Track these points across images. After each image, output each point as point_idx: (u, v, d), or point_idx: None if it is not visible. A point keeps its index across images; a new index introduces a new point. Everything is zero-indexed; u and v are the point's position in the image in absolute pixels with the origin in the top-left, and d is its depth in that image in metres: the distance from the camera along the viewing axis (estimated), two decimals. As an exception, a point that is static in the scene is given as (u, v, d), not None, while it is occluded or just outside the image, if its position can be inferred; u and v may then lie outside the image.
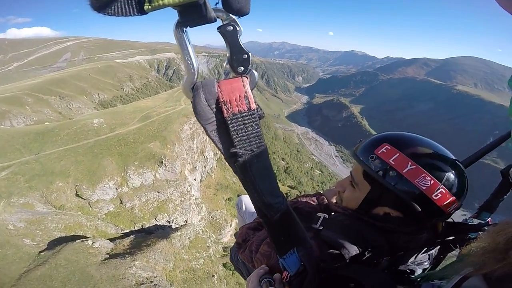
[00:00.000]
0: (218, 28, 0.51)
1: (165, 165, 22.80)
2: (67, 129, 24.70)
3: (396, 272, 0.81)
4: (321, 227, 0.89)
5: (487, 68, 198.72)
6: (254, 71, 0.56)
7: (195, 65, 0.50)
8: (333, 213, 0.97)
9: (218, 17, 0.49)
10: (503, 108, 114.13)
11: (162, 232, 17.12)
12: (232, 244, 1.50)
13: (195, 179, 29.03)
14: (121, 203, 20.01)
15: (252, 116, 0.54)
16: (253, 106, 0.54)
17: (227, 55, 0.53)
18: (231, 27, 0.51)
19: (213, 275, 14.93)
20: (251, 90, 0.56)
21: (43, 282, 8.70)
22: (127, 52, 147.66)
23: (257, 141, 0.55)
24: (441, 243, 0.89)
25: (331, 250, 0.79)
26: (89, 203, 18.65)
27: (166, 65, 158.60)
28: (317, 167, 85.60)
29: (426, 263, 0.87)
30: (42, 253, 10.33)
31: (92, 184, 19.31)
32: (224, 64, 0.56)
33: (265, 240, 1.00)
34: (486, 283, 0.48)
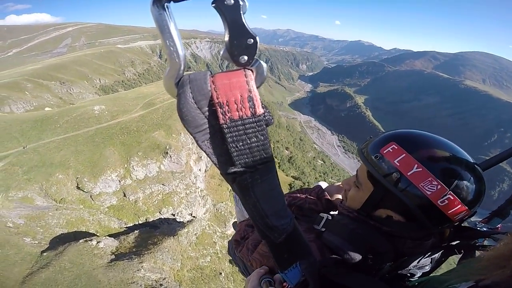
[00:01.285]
0: (214, 2, 0.35)
1: (171, 156, 22.01)
2: (66, 116, 23.70)
3: (396, 276, 0.80)
4: (324, 229, 0.86)
5: (497, 64, 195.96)
6: (262, 62, 0.40)
7: (180, 53, 0.35)
8: (336, 214, 0.95)
9: None
10: (510, 106, 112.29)
11: (168, 227, 16.60)
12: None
13: (200, 170, 28.36)
14: (125, 196, 19.40)
15: (258, 123, 0.40)
16: (259, 110, 0.40)
17: (225, 39, 0.37)
18: (232, 1, 0.35)
19: (221, 273, 14.54)
20: (258, 87, 0.40)
21: (49, 287, 8.15)
22: (129, 37, 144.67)
23: (262, 156, 0.42)
24: (446, 247, 0.85)
25: (333, 256, 0.77)
26: (91, 196, 18.02)
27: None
28: (319, 156, 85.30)
29: (427, 267, 0.85)
30: (45, 254, 9.71)
31: (94, 176, 18.61)
32: (221, 52, 0.39)
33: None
34: None
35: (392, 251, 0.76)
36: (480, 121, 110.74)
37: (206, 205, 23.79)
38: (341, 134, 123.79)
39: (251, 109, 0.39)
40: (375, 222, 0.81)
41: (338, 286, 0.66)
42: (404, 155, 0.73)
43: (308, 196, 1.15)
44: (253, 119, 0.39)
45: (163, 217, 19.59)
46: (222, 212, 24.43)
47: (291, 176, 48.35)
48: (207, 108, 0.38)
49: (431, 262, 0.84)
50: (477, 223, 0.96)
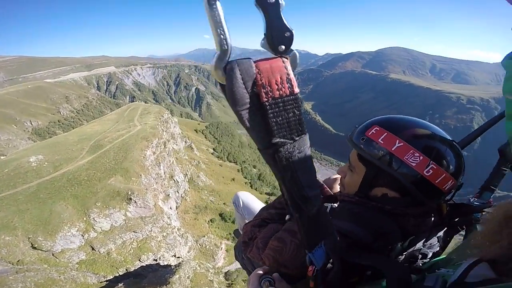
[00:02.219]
0: (257, 1, 0.41)
1: (135, 202, 19.48)
2: (-4, 173, 19.45)
3: (409, 257, 0.84)
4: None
5: (410, 56, 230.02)
6: (296, 52, 0.47)
7: (229, 40, 0.41)
8: (338, 203, 0.97)
9: None
10: (431, 91, 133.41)
11: (154, 275, 14.34)
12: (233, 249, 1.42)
13: (171, 208, 26.04)
14: (93, 249, 16.55)
15: (295, 101, 0.47)
16: (296, 90, 0.47)
17: (265, 32, 0.44)
18: (273, 0, 0.42)
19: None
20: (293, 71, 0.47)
21: None
22: (58, 69, 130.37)
23: (298, 129, 0.48)
24: (447, 225, 0.91)
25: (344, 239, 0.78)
26: (53, 254, 15.01)
27: (107, 81, 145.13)
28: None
29: (436, 246, 0.90)
30: None
31: (50, 234, 15.51)
32: (261, 41, 0.46)
33: (273, 236, 0.98)
34: (493, 270, 0.48)
35: (398, 230, 0.79)
36: (411, 108, 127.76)
37: (187, 243, 21.69)
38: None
39: (289, 89, 0.45)
40: (375, 202, 0.84)
41: (355, 266, 0.69)
42: (386, 133, 0.81)
43: None
44: (291, 97, 0.46)
45: (145, 265, 17.08)
46: (207, 246, 22.56)
47: (265, 193, 47.71)
48: (251, 89, 0.44)
49: (438, 241, 0.90)
50: (470, 198, 1.03)
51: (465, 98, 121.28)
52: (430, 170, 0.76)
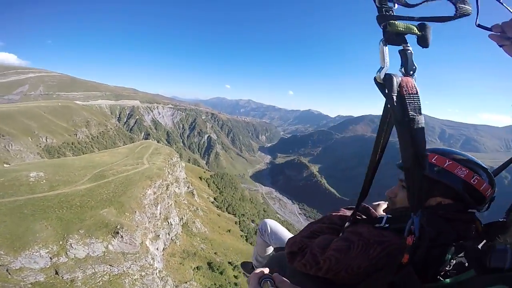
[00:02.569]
0: (400, 51, 0.74)
1: (122, 236, 18.17)
2: (-10, 181, 19.10)
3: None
4: (387, 225, 1.04)
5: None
6: (415, 76, 0.77)
7: (388, 62, 0.73)
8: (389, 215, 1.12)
9: (401, 43, 0.74)
10: None
11: None
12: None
13: (157, 249, 24.05)
14: (57, 273, 15.05)
15: (417, 95, 0.74)
16: (419, 91, 0.74)
17: (401, 65, 0.75)
18: (410, 51, 0.74)
19: None
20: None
21: None
22: (90, 94, 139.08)
23: (419, 111, 0.74)
24: (485, 239, 1.01)
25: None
26: (7, 270, 13.85)
27: (128, 113, 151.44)
28: (284, 225, 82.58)
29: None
30: None
31: (14, 250, 14.51)
32: (399, 69, 0.76)
33: (333, 240, 1.09)
34: None
35: (453, 231, 0.94)
36: None
37: (166, 286, 19.32)
38: (301, 203, 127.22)
39: (415, 90, 0.74)
40: (429, 210, 1.00)
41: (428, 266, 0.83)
42: (437, 156, 1.05)
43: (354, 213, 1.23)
44: (417, 94, 0.74)
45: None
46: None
47: None
48: (398, 88, 0.74)
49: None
50: (500, 219, 1.10)
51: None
52: (476, 180, 0.98)
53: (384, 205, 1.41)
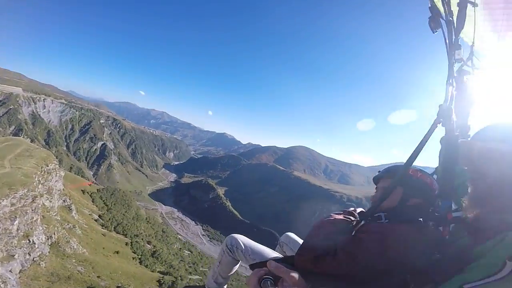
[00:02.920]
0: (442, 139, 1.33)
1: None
2: None
3: None
4: (387, 220, 1.30)
5: (311, 156, 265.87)
6: None
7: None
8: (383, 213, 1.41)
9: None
10: (322, 189, 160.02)
11: None
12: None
13: (11, 271, 20.07)
14: None
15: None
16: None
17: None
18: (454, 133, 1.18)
19: None
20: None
21: None
22: None
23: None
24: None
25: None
26: None
27: (1, 100, 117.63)
28: (185, 247, 79.71)
29: None
30: None
31: None
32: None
33: (360, 238, 1.20)
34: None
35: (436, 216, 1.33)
36: (306, 203, 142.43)
37: None
38: (205, 224, 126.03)
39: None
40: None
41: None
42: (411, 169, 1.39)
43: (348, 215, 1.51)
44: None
45: None
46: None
47: (158, 272, 41.35)
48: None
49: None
50: None
51: (346, 196, 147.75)
52: (434, 187, 1.37)
53: (358, 209, 1.62)
